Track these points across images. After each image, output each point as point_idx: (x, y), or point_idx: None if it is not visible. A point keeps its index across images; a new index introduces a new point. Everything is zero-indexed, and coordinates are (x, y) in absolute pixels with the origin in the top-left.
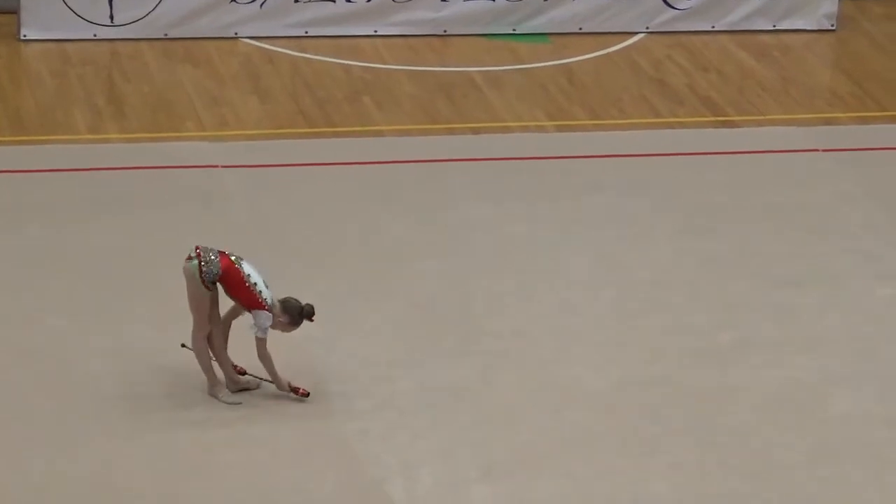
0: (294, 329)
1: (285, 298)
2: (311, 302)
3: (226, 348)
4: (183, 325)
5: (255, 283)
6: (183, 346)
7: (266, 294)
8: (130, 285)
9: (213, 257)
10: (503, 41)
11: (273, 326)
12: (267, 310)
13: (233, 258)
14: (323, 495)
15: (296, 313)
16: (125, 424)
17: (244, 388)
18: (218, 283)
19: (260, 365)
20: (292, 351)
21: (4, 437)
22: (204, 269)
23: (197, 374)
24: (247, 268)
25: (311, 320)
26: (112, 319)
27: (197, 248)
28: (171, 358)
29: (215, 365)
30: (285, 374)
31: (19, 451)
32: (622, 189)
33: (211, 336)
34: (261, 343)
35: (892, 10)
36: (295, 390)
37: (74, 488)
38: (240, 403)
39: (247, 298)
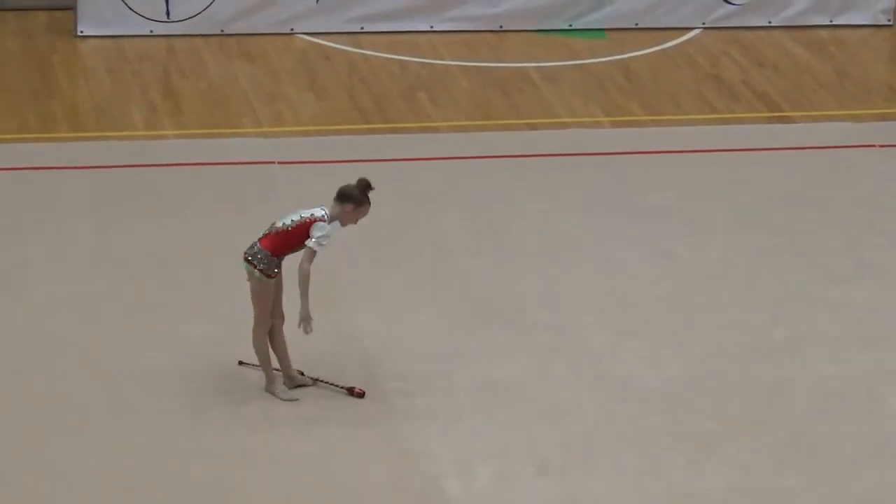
0: (365, 209)
1: (338, 191)
2: (362, 296)
3: (286, 344)
4: (237, 320)
5: (293, 219)
6: (241, 363)
7: (308, 212)
8: (185, 280)
9: (256, 249)
10: (559, 37)
11: (345, 222)
12: (319, 220)
13: (268, 231)
14: (379, 492)
15: (356, 193)
16: (180, 419)
17: (301, 385)
18: (278, 261)
19: (315, 368)
20: (346, 346)
21: (59, 428)
22: (259, 266)
23: (252, 370)
24: (280, 222)
25: (372, 187)
26: (167, 313)
27: (245, 254)
28: (226, 353)
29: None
30: (338, 372)
31: (74, 444)
32: (678, 184)
33: (272, 331)
34: (309, 254)
35: None
36: (350, 391)
37: (129, 481)
38: (297, 400)
39: (297, 236)
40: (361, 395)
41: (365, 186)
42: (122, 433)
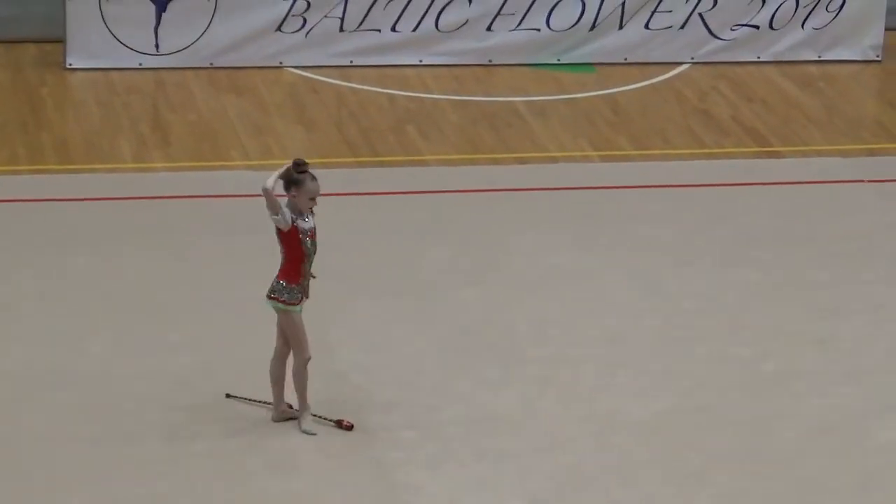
0: (309, 187)
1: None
2: (351, 329)
3: (284, 379)
4: (225, 353)
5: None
6: (228, 396)
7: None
8: (174, 312)
9: (274, 284)
10: (548, 71)
11: (301, 208)
12: (283, 216)
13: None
14: None
15: (293, 176)
16: (167, 451)
17: (289, 418)
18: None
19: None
20: (335, 380)
21: (46, 462)
22: (282, 297)
23: (240, 404)
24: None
25: (303, 165)
26: (155, 347)
27: (267, 295)
28: (214, 386)
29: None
30: (327, 405)
31: (62, 477)
32: (666, 218)
33: (283, 358)
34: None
35: None
36: (339, 423)
37: None
38: (315, 434)
39: (289, 247)
40: (350, 427)
41: (296, 166)
42: (109, 467)
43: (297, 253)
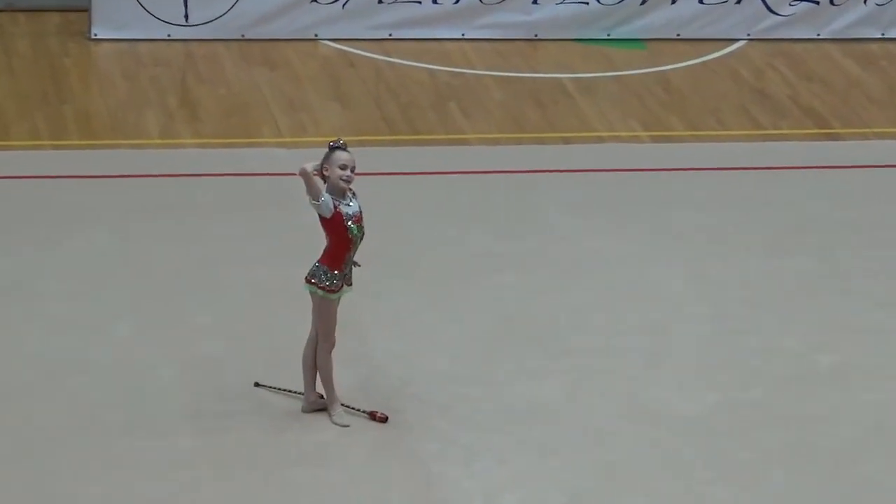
0: (337, 156)
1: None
2: (386, 316)
3: (317, 368)
4: (254, 340)
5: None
6: (257, 385)
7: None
8: (200, 296)
9: (315, 267)
10: (596, 46)
11: (336, 188)
12: (325, 202)
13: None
14: None
15: (324, 157)
16: (193, 441)
17: (319, 409)
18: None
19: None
20: (368, 368)
21: (66, 452)
22: (322, 283)
23: (269, 393)
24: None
25: (336, 144)
26: (181, 331)
27: (305, 278)
28: (243, 372)
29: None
30: (360, 395)
31: (84, 465)
32: (718, 203)
33: (315, 346)
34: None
35: None
36: (372, 415)
37: None
38: (348, 426)
39: (331, 231)
40: (384, 419)
41: (332, 148)
42: (133, 455)
43: (341, 239)
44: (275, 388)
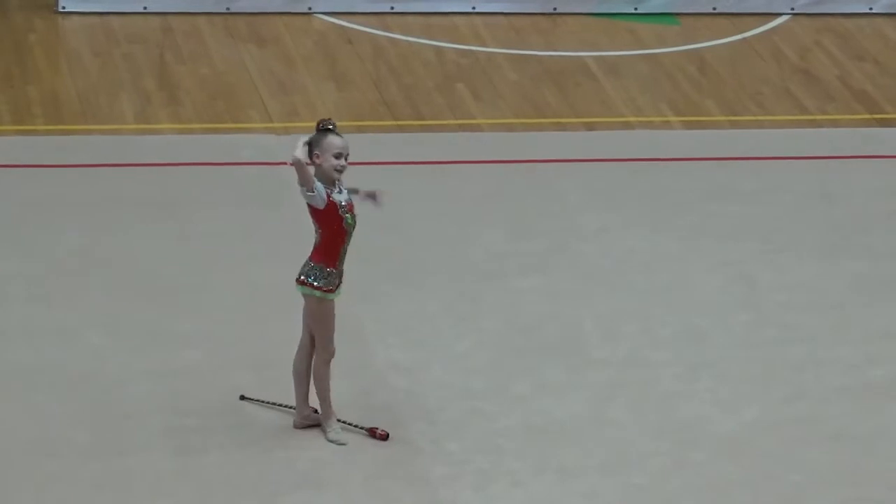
0: (328, 141)
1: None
2: (390, 323)
3: (310, 379)
4: (238, 348)
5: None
6: (242, 398)
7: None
8: (181, 298)
9: (309, 266)
10: (623, 21)
11: (328, 176)
12: (318, 192)
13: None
14: None
15: (311, 142)
16: (174, 462)
17: (314, 424)
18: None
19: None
20: (369, 379)
21: (32, 474)
22: (317, 283)
23: (256, 407)
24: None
25: (326, 124)
26: (159, 338)
27: (297, 279)
28: (228, 384)
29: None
30: (360, 410)
31: (49, 492)
32: (759, 197)
33: (306, 355)
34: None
35: None
36: (372, 432)
37: None
38: (345, 444)
39: (323, 223)
40: (385, 437)
41: (320, 123)
42: (106, 481)
43: (336, 232)
44: (263, 401)
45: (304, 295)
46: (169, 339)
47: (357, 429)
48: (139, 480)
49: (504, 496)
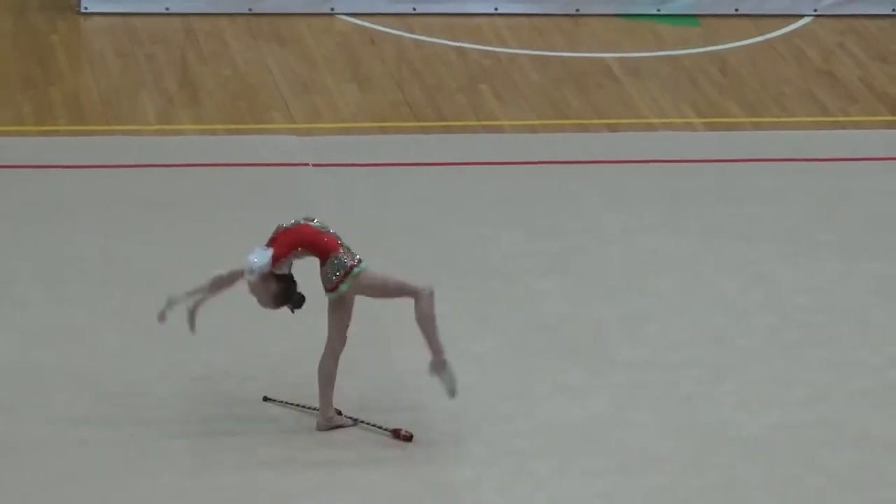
0: (275, 299)
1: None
2: (409, 324)
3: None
4: (259, 350)
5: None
6: (266, 399)
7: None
8: None
9: (335, 262)
10: (645, 23)
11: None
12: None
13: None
14: None
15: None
16: (191, 462)
17: (338, 426)
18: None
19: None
20: (390, 383)
21: (51, 472)
22: (348, 264)
23: (278, 408)
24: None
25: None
26: (178, 340)
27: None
28: (247, 387)
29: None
30: (382, 412)
31: (69, 488)
32: (782, 198)
33: (333, 356)
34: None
35: None
36: (395, 433)
37: None
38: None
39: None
40: (409, 438)
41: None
42: (121, 485)
43: (327, 243)
44: (286, 402)
45: (346, 290)
46: (188, 339)
47: (381, 430)
48: (158, 481)
49: (526, 498)
